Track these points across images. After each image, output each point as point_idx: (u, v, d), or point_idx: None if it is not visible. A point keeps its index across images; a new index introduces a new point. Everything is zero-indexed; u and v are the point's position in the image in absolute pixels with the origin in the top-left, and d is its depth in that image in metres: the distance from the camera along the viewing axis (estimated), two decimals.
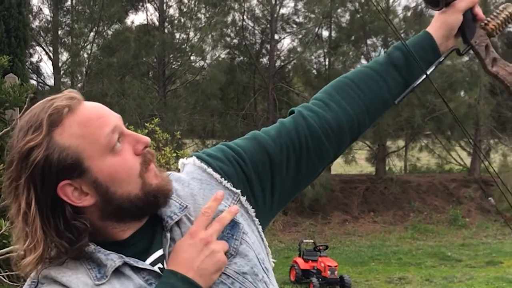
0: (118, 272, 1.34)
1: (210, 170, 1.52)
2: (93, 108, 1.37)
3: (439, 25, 1.73)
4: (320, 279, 11.03)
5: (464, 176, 20.41)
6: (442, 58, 1.72)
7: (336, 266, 11.15)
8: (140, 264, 1.37)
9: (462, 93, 20.76)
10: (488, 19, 1.75)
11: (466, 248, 15.12)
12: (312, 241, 12.81)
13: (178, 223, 1.43)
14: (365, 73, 1.71)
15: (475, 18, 1.74)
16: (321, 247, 11.80)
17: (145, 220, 1.42)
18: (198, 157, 1.56)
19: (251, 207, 1.54)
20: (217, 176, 1.51)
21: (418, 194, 19.06)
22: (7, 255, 3.93)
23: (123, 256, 1.36)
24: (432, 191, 19.14)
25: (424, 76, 1.70)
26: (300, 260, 11.82)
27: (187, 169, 1.55)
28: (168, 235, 1.42)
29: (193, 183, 1.51)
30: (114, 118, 1.37)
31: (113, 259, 1.35)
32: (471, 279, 12.11)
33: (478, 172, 20.17)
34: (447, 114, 18.79)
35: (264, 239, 1.57)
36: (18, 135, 1.34)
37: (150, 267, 1.37)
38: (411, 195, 19.10)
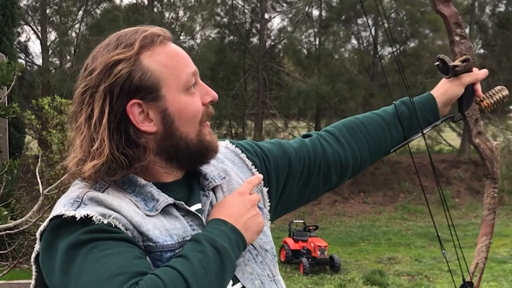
0: (164, 211, 1.39)
1: (243, 155, 1.65)
2: (180, 49, 1.46)
3: (443, 92, 1.93)
4: (310, 259, 11.05)
5: (454, 157, 20.45)
6: (438, 122, 1.93)
7: (326, 247, 11.17)
8: (188, 208, 1.43)
9: None
10: (484, 96, 1.95)
11: (455, 228, 15.14)
12: (302, 221, 12.83)
13: (213, 189, 1.52)
14: (374, 119, 1.89)
15: (474, 93, 1.94)
16: (311, 228, 11.80)
17: (183, 174, 1.50)
18: (232, 142, 1.68)
19: (268, 200, 1.66)
20: (249, 163, 1.64)
21: (408, 175, 19.10)
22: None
23: (172, 198, 1.42)
24: (422, 171, 19.17)
25: (420, 134, 1.92)
26: (290, 241, 11.83)
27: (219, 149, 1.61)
28: (211, 193, 1.50)
29: (226, 161, 1.61)
30: (194, 65, 1.45)
31: (165, 196, 1.40)
32: (460, 259, 12.13)
33: (468, 153, 20.21)
34: None
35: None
36: (105, 48, 1.40)
37: (196, 213, 1.44)
38: (401, 176, 19.13)
